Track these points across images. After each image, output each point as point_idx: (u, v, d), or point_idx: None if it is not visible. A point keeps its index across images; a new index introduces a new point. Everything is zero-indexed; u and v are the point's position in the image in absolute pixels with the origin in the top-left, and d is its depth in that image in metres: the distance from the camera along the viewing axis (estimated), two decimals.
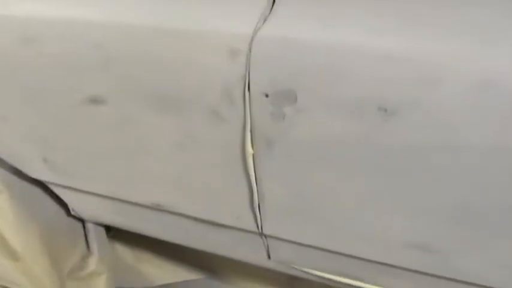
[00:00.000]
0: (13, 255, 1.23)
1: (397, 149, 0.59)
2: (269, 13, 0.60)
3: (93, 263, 1.23)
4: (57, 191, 1.03)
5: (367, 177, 0.63)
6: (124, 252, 1.44)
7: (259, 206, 0.76)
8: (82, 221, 1.20)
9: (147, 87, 0.68)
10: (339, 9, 0.57)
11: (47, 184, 1.02)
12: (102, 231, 1.26)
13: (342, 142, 0.61)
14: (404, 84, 0.54)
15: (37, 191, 1.09)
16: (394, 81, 0.55)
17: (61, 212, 1.15)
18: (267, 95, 0.61)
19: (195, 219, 0.87)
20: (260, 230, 0.81)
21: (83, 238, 1.23)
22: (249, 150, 0.68)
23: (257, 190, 0.73)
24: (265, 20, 0.60)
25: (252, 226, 0.81)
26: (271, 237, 0.83)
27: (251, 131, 0.66)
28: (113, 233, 1.37)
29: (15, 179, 1.05)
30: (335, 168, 0.64)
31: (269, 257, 0.91)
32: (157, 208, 0.88)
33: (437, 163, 0.57)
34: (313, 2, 0.59)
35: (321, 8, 0.58)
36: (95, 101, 0.73)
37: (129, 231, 1.10)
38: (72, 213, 1.12)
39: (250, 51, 0.59)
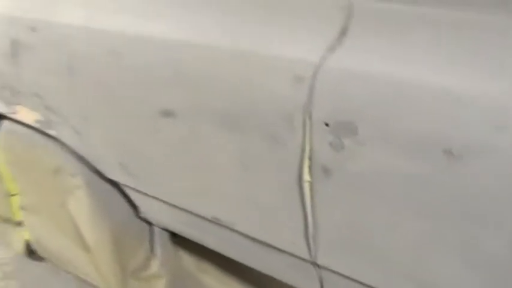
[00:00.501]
0: (86, 247, 1.32)
1: (460, 194, 0.54)
2: (337, 44, 0.59)
3: (155, 266, 1.28)
4: (129, 193, 1.09)
5: (424, 220, 0.59)
6: (187, 260, 1.48)
7: (313, 235, 0.74)
8: (149, 224, 1.26)
9: (213, 104, 0.71)
10: (409, 44, 0.55)
11: (120, 185, 1.09)
12: (167, 236, 1.31)
13: (401, 180, 0.58)
14: (473, 128, 0.50)
15: (112, 191, 1.16)
16: (461, 124, 0.51)
17: (131, 213, 1.21)
18: (327, 124, 0.60)
19: (252, 238, 0.87)
20: (313, 259, 0.79)
21: (149, 241, 1.29)
22: (306, 177, 0.67)
23: (312, 218, 0.72)
24: (332, 51, 0.59)
25: (305, 254, 0.79)
26: (325, 268, 0.81)
27: (309, 159, 0.65)
28: (179, 239, 1.42)
29: (94, 177, 1.14)
30: (391, 207, 0.61)
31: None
32: (216, 222, 0.90)
33: (505, 215, 0.52)
34: (382, 37, 0.57)
35: (389, 43, 0.56)
36: (166, 113, 0.77)
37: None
38: (141, 215, 1.18)
39: (314, 80, 0.59)
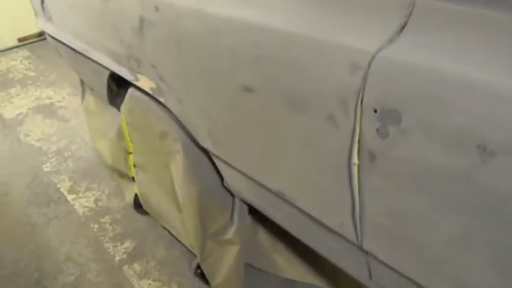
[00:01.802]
0: (178, 206, 1.50)
1: (492, 192, 0.56)
2: (395, 38, 0.63)
3: (231, 233, 1.41)
4: (216, 162, 1.23)
5: (458, 214, 0.61)
6: (263, 237, 1.59)
7: (359, 217, 0.79)
8: (232, 195, 1.39)
9: (284, 84, 0.79)
10: (458, 42, 0.58)
11: (210, 154, 1.23)
12: (246, 209, 1.43)
13: (437, 171, 0.60)
14: (507, 126, 0.52)
15: (204, 159, 1.31)
16: (497, 121, 0.52)
17: (218, 182, 1.35)
18: (375, 111, 0.65)
19: (309, 216, 0.94)
20: (360, 243, 0.83)
21: (230, 210, 1.42)
22: (355, 160, 0.72)
23: (358, 201, 0.76)
24: (390, 43, 0.63)
25: (353, 237, 0.84)
26: (371, 255, 0.84)
27: (358, 143, 0.70)
28: (258, 216, 1.54)
29: (190, 143, 1.30)
30: (429, 197, 0.64)
31: (370, 276, 0.92)
32: (281, 196, 0.98)
33: None
34: (435, 34, 0.60)
35: (444, 39, 0.59)
36: (247, 89, 0.88)
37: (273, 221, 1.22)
38: (225, 185, 1.31)
39: (369, 68, 0.64)
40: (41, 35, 4.16)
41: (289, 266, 1.59)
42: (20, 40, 4.17)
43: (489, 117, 0.53)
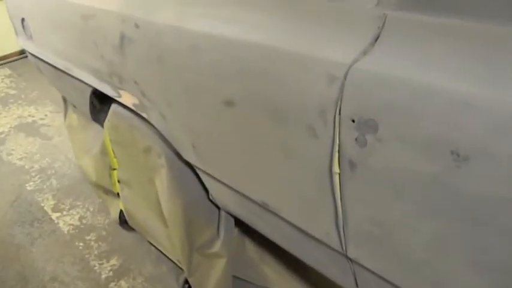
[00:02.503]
0: (164, 221, 1.50)
1: (467, 196, 0.57)
2: (369, 49, 0.65)
3: (217, 246, 1.41)
4: (201, 175, 1.23)
5: (435, 219, 0.62)
6: (251, 249, 1.59)
7: (343, 226, 0.80)
8: (218, 208, 1.40)
9: (264, 97, 0.81)
10: (429, 53, 0.60)
11: (194, 168, 1.23)
12: (232, 221, 1.43)
13: (414, 178, 0.62)
14: (479, 132, 0.54)
15: (188, 173, 1.32)
16: (467, 127, 0.55)
17: (203, 195, 1.36)
18: (353, 121, 0.67)
19: (294, 226, 0.95)
20: (345, 251, 0.84)
21: (216, 223, 1.43)
22: (336, 169, 0.74)
23: (341, 209, 0.78)
24: (364, 54, 0.66)
25: (337, 245, 0.85)
26: (356, 263, 0.86)
27: (338, 152, 0.72)
28: (245, 228, 1.54)
29: (174, 158, 1.30)
30: (407, 203, 0.65)
31: (357, 284, 0.93)
32: (265, 207, 0.99)
33: (507, 218, 0.54)
34: (407, 45, 0.62)
35: (413, 50, 0.61)
36: (228, 102, 0.89)
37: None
38: (211, 198, 1.32)
39: (345, 79, 0.66)
40: (22, 53, 4.13)
41: (277, 277, 1.59)
42: (0, 58, 4.14)
43: (460, 124, 0.55)
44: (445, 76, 0.57)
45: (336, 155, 0.72)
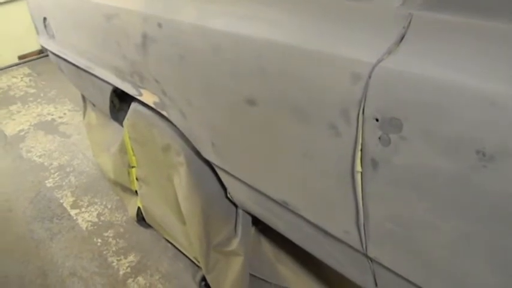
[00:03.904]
0: (183, 220, 1.51)
1: (491, 196, 0.57)
2: (394, 48, 0.66)
3: (235, 244, 1.42)
4: (220, 174, 1.24)
5: (458, 218, 0.63)
6: (267, 247, 1.60)
7: (363, 224, 0.80)
8: (235, 206, 1.41)
9: (286, 96, 0.81)
10: (455, 52, 0.60)
11: (213, 166, 1.24)
12: (249, 220, 1.44)
13: (438, 177, 0.62)
14: (505, 131, 0.54)
15: (207, 171, 1.33)
16: (494, 126, 0.55)
17: (221, 193, 1.37)
18: (377, 120, 0.67)
19: (314, 224, 0.95)
20: (365, 250, 0.85)
21: (233, 221, 1.44)
22: (358, 168, 0.74)
23: (362, 208, 0.78)
24: (389, 53, 0.66)
25: (357, 244, 0.85)
26: (376, 262, 0.86)
27: (361, 151, 0.72)
28: (262, 227, 1.55)
29: (193, 156, 1.31)
30: (430, 202, 0.65)
31: (376, 283, 0.93)
32: (285, 206, 1.00)
33: None
34: (433, 44, 0.62)
35: (439, 50, 0.61)
36: (250, 102, 0.90)
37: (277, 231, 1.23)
38: (228, 196, 1.33)
39: (369, 78, 0.67)
40: (41, 52, 4.20)
41: (293, 276, 1.59)
42: (20, 58, 4.22)
43: (486, 123, 0.55)
44: (470, 75, 0.57)
45: (359, 153, 0.73)
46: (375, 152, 0.70)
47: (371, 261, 0.87)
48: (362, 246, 0.85)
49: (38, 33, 2.02)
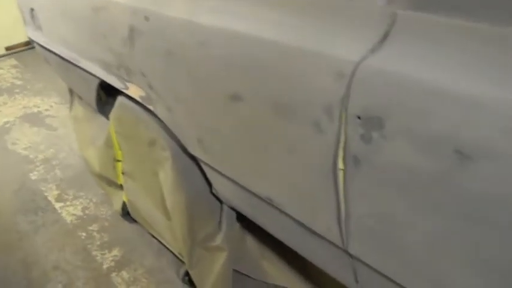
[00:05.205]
0: (167, 214, 1.51)
1: (469, 195, 0.58)
2: (377, 47, 0.66)
3: (219, 239, 1.42)
4: (205, 169, 1.24)
5: (438, 217, 0.63)
6: (252, 244, 1.60)
7: (345, 221, 0.81)
8: (220, 202, 1.41)
9: (271, 93, 0.82)
10: (437, 52, 0.61)
11: (199, 161, 1.24)
12: (234, 215, 1.44)
13: (417, 176, 0.63)
14: (482, 132, 0.55)
15: (192, 167, 1.33)
16: (472, 127, 0.55)
17: (206, 189, 1.37)
18: (359, 117, 0.68)
19: (297, 221, 0.96)
20: (346, 247, 0.86)
21: (218, 216, 1.44)
22: (340, 165, 0.75)
23: (344, 205, 0.79)
24: (373, 52, 0.66)
25: (339, 241, 0.86)
26: (356, 259, 0.87)
27: (343, 148, 0.73)
28: (247, 223, 1.55)
29: (179, 151, 1.31)
30: (410, 201, 0.66)
31: (356, 280, 0.94)
32: (269, 202, 1.00)
33: (508, 218, 0.55)
34: (416, 44, 0.63)
35: (424, 49, 0.62)
36: (235, 97, 0.90)
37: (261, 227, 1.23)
38: (213, 192, 1.33)
39: (353, 76, 0.67)
40: (28, 43, 4.14)
41: (277, 272, 1.60)
42: (7, 49, 4.16)
43: (465, 123, 0.56)
44: (453, 76, 0.58)
45: (341, 151, 0.73)
46: (356, 150, 0.71)
47: (352, 258, 0.88)
48: (343, 243, 0.85)
49: (25, 24, 2.00)
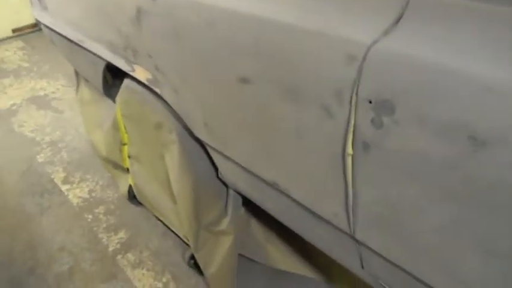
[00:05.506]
0: (173, 197, 1.51)
1: (481, 181, 0.57)
2: (390, 29, 0.64)
3: (224, 224, 1.42)
4: (211, 153, 1.23)
5: (448, 203, 0.62)
6: (257, 228, 1.60)
7: (352, 207, 0.80)
8: (226, 186, 1.40)
9: (280, 75, 0.80)
10: (452, 35, 0.59)
11: (205, 145, 1.23)
12: (240, 200, 1.44)
13: (429, 162, 0.62)
14: (498, 118, 0.53)
15: (199, 150, 1.32)
16: (487, 112, 0.54)
17: (212, 173, 1.36)
18: (370, 102, 0.66)
19: (303, 206, 0.95)
20: (352, 233, 0.85)
21: (224, 200, 1.44)
22: (349, 150, 0.73)
23: (351, 190, 0.78)
24: (385, 34, 0.65)
25: (346, 227, 0.85)
26: (363, 244, 0.86)
27: (353, 133, 0.71)
28: (252, 207, 1.55)
29: (186, 134, 1.30)
30: (420, 186, 0.65)
31: (362, 266, 0.93)
32: (275, 187, 1.00)
33: None
34: (431, 26, 0.61)
35: (439, 31, 0.60)
36: (243, 79, 0.89)
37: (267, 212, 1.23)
38: (219, 176, 1.32)
39: (364, 60, 0.66)
40: (35, 26, 4.13)
41: (282, 257, 1.61)
42: (14, 31, 4.14)
43: (479, 108, 0.55)
44: (467, 59, 0.56)
45: (350, 136, 0.72)
46: (366, 135, 0.69)
47: (358, 243, 0.87)
48: (350, 229, 0.85)
49: (31, 4, 1.98)
